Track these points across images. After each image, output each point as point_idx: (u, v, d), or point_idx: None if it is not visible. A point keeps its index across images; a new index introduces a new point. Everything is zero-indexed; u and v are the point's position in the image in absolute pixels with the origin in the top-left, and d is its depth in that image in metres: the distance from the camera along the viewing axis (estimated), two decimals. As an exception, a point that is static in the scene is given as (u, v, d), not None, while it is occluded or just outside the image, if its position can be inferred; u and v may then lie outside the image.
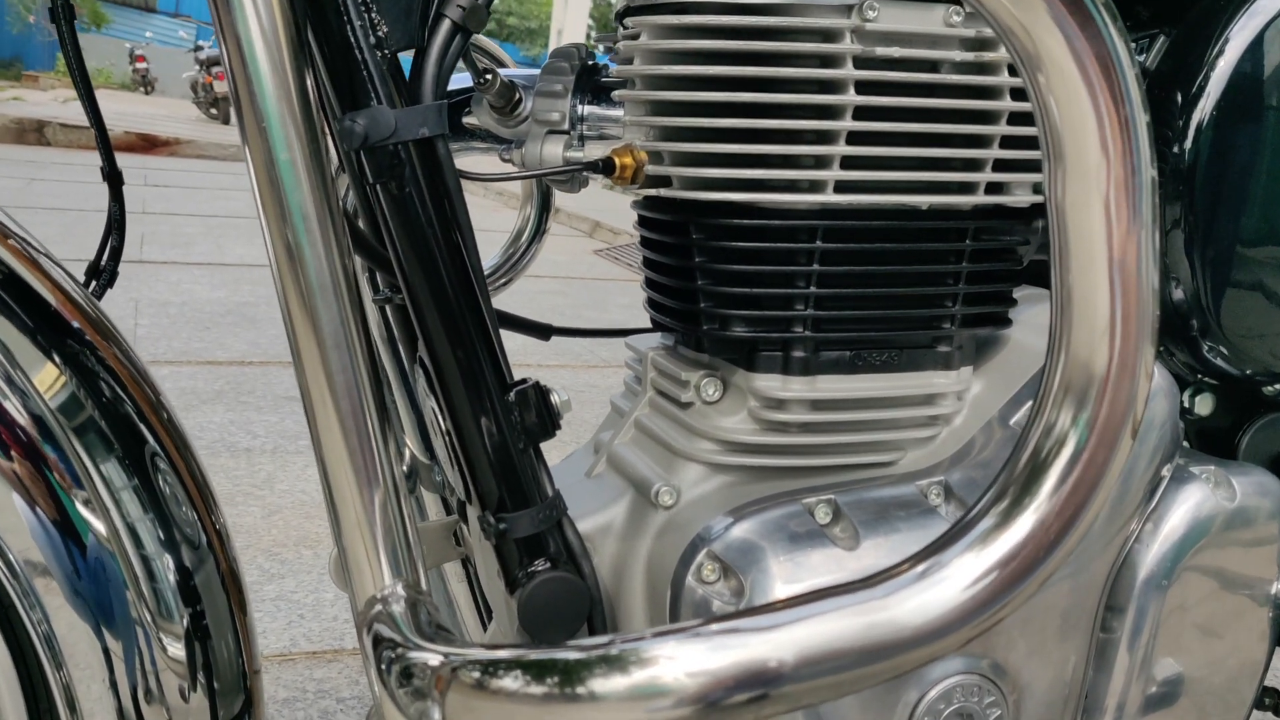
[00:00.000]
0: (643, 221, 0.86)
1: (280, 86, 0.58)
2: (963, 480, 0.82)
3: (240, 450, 2.96)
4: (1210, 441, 1.00)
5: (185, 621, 0.76)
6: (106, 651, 0.74)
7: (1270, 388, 0.98)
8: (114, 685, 0.75)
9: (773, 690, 0.49)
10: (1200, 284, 0.88)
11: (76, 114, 12.91)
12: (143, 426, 0.77)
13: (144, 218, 6.74)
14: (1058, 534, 0.47)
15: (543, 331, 1.03)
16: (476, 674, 0.51)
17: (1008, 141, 0.80)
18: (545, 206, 1.31)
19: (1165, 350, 0.92)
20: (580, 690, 0.50)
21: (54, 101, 15.31)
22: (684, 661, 0.50)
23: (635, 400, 0.92)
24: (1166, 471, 0.84)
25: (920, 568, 0.48)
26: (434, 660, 0.52)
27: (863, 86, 0.75)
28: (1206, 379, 0.95)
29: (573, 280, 6.08)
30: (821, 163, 0.77)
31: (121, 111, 13.82)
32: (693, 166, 0.77)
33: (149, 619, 0.75)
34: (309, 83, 0.61)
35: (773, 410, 0.81)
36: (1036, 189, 0.83)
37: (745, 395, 0.82)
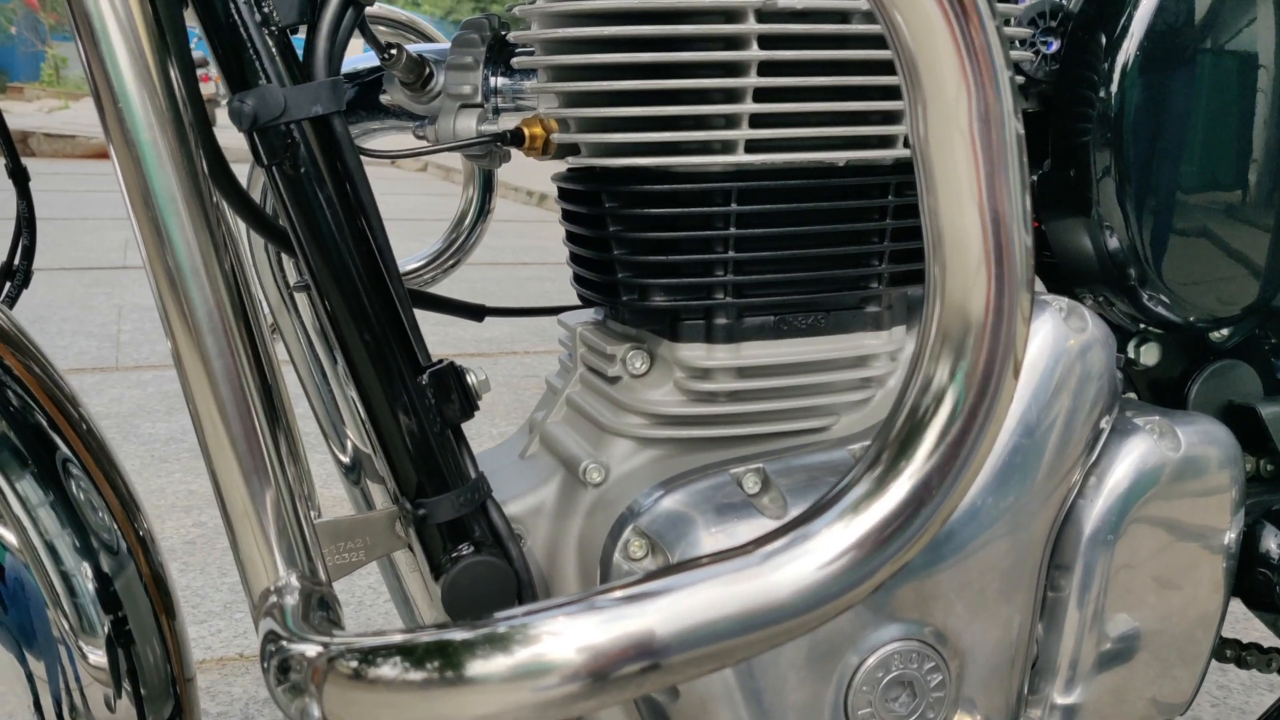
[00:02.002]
0: (561, 194, 0.84)
1: (136, 66, 0.56)
2: (897, 442, 0.80)
3: (223, 451, 2.94)
4: (1161, 392, 0.98)
5: (106, 629, 0.74)
6: (30, 676, 0.72)
7: (1217, 334, 0.95)
8: (38, 708, 0.73)
9: (661, 660, 0.47)
10: (1135, 232, 0.85)
11: (60, 123, 12.87)
12: (55, 435, 0.75)
13: (129, 223, 6.71)
14: (936, 496, 0.45)
15: (475, 312, 1.01)
16: (354, 663, 0.49)
17: (925, 92, 0.77)
18: (488, 187, 1.29)
19: (1104, 300, 0.90)
20: (462, 674, 0.48)
21: (39, 112, 15.28)
22: (568, 636, 0.48)
23: (567, 378, 0.90)
24: (1106, 424, 0.81)
25: (787, 537, 0.46)
26: (311, 651, 0.50)
27: (767, 41, 0.73)
28: (1151, 328, 0.93)
29: (561, 266, 6.05)
30: (731, 122, 0.74)
31: (106, 119, 13.75)
32: (598, 132, 0.75)
33: (70, 633, 0.73)
34: (172, 66, 0.59)
35: (698, 380, 0.79)
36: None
37: (671, 366, 0.80)
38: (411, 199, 8.17)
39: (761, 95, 0.74)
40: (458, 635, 0.49)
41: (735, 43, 0.73)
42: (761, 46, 0.72)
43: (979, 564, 0.77)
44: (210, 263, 0.58)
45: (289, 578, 0.59)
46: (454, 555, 0.75)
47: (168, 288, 0.57)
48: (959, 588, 0.77)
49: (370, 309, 0.72)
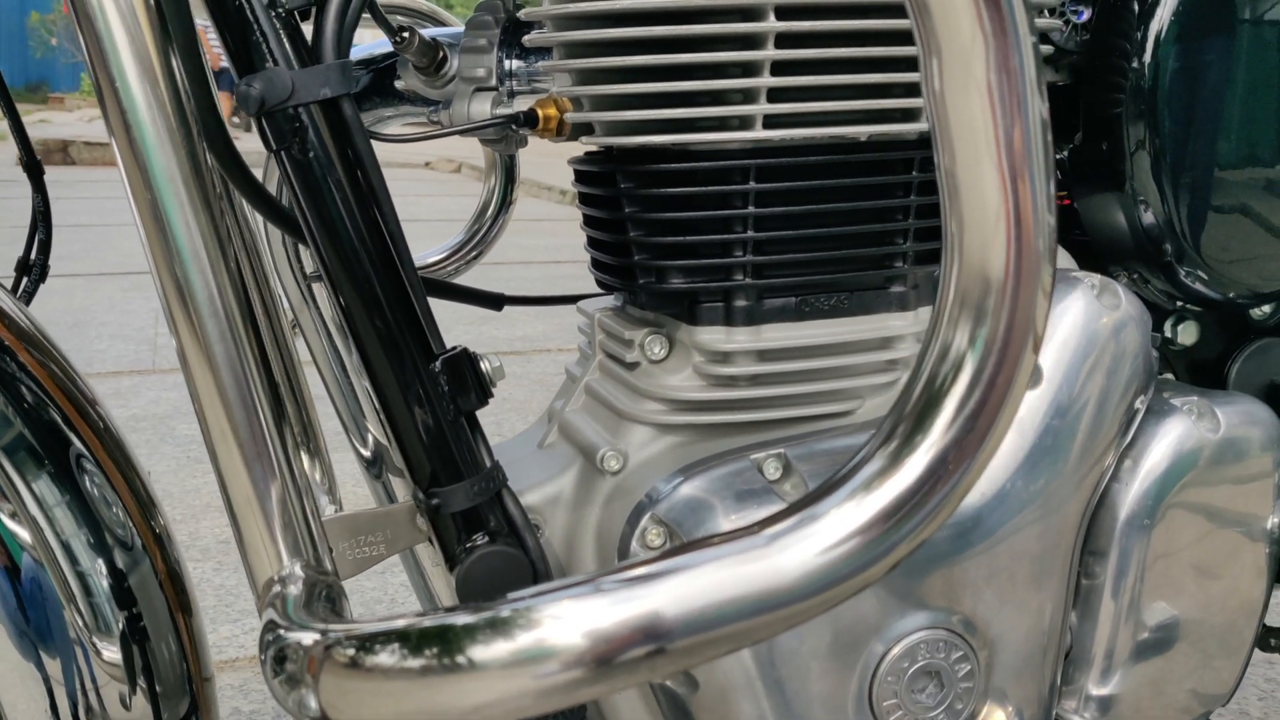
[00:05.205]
0: (577, 176, 0.83)
1: (133, 44, 0.55)
2: (923, 426, 0.77)
3: (258, 451, 2.95)
4: (1200, 373, 0.94)
5: (121, 625, 0.73)
6: (46, 678, 0.71)
7: (1258, 311, 0.92)
8: (54, 710, 0.72)
9: (667, 644, 0.45)
10: (1171, 207, 0.82)
11: (100, 132, 13.02)
12: (69, 432, 0.74)
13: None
14: (955, 472, 0.43)
15: (494, 301, 0.99)
16: (351, 651, 0.47)
17: (948, 63, 0.75)
18: (510, 178, 1.27)
19: (1140, 277, 0.87)
20: (460, 660, 0.46)
21: (79, 121, 15.49)
22: (571, 620, 0.46)
23: (586, 365, 0.88)
24: (1141, 404, 0.79)
25: (794, 518, 0.44)
26: (308, 639, 0.49)
27: (784, 12, 0.70)
28: (1188, 306, 0.90)
29: (594, 264, 6.05)
30: (748, 97, 0.72)
31: (146, 126, 13.93)
32: (612, 110, 0.73)
33: (85, 630, 0.72)
34: (173, 51, 0.57)
35: (718, 364, 0.77)
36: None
37: (690, 351, 0.78)
38: (444, 200, 8.19)
39: (779, 69, 0.71)
40: (459, 619, 0.48)
41: (751, 14, 0.70)
42: (779, 18, 0.70)
43: (1009, 550, 0.75)
44: (211, 246, 0.56)
45: (293, 567, 0.57)
46: (468, 545, 0.74)
47: (167, 272, 0.56)
48: (988, 574, 0.75)
49: (382, 294, 0.70)
